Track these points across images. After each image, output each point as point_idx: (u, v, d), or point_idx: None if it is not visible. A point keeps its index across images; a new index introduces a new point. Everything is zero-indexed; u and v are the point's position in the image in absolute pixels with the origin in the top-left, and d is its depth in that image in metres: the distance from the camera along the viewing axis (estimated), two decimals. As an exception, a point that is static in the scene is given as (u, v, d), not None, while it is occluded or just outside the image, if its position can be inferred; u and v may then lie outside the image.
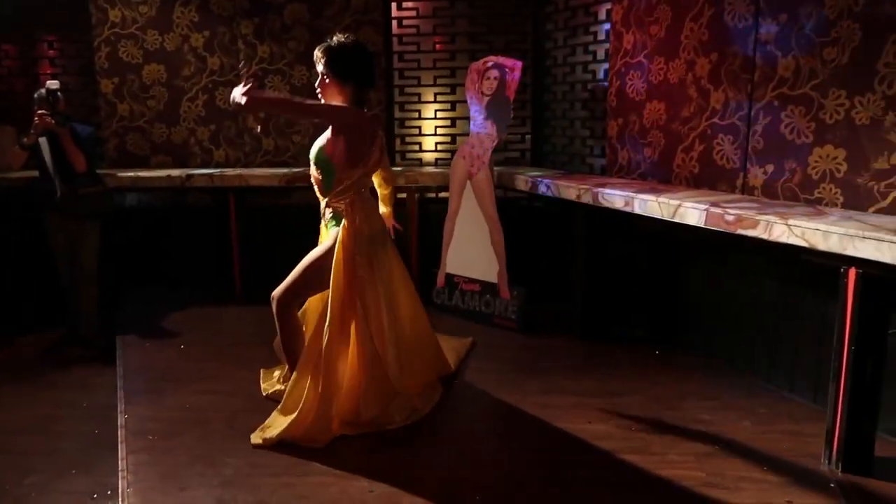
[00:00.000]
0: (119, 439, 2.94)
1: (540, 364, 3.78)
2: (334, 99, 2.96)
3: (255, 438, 2.86)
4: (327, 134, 3.01)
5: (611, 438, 2.90)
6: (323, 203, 3.09)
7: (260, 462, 2.72)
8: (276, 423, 2.90)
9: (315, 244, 3.22)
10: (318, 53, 2.93)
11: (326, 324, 2.90)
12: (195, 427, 3.03)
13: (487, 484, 2.58)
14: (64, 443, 3.01)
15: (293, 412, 2.88)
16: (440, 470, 2.70)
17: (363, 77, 2.96)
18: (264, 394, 3.35)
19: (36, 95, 4.11)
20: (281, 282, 3.08)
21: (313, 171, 3.04)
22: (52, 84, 4.02)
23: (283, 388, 3.28)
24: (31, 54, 5.54)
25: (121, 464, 2.73)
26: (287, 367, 3.19)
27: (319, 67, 2.94)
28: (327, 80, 2.93)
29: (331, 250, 2.98)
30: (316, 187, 3.08)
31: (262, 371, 3.56)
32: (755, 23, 3.33)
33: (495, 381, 3.52)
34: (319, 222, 3.23)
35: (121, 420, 3.12)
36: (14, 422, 3.22)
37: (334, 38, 2.93)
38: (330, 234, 3.06)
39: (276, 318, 3.05)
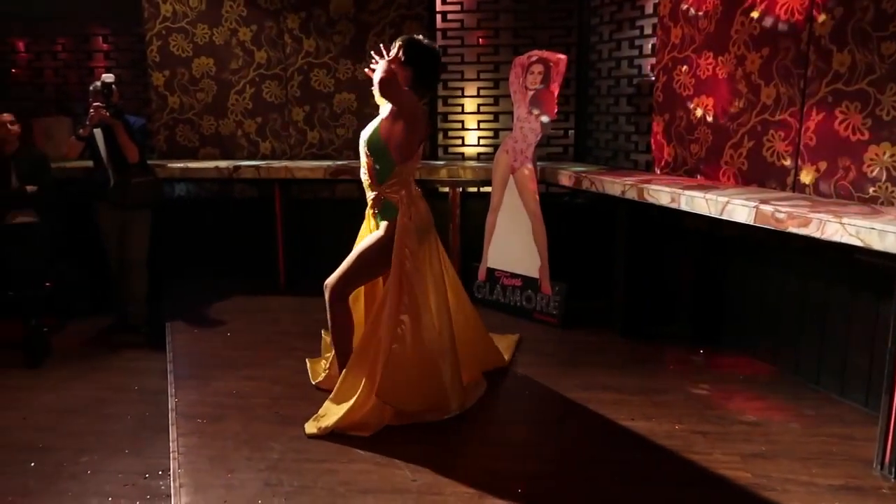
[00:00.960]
0: (170, 422, 3.03)
1: (581, 360, 3.77)
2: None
3: (310, 428, 2.90)
4: (381, 119, 3.02)
5: (653, 436, 2.88)
6: (373, 193, 3.09)
7: (304, 448, 2.78)
8: (331, 413, 2.95)
9: (356, 235, 3.25)
10: (399, 39, 3.02)
11: (385, 314, 2.92)
12: (242, 412, 3.11)
13: (529, 475, 2.58)
14: (116, 424, 3.11)
15: (347, 401, 2.92)
16: (482, 460, 2.72)
17: (424, 72, 3.01)
18: (313, 382, 3.41)
19: (91, 88, 4.24)
20: (325, 272, 3.12)
21: (365, 158, 3.05)
22: (108, 77, 4.14)
23: (326, 374, 3.34)
24: (85, 47, 5.70)
25: (172, 445, 2.81)
26: (334, 353, 3.23)
27: (393, 50, 3.00)
28: (396, 54, 2.98)
29: (383, 240, 3.00)
30: (367, 177, 3.08)
31: (308, 361, 3.61)
32: (809, 16, 3.25)
33: (536, 377, 3.52)
34: (360, 214, 3.25)
35: (171, 403, 3.21)
36: (68, 403, 3.34)
37: (424, 37, 3.07)
38: (381, 225, 3.08)
39: (328, 306, 3.09)
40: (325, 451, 2.75)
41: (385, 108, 3.05)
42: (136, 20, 5.45)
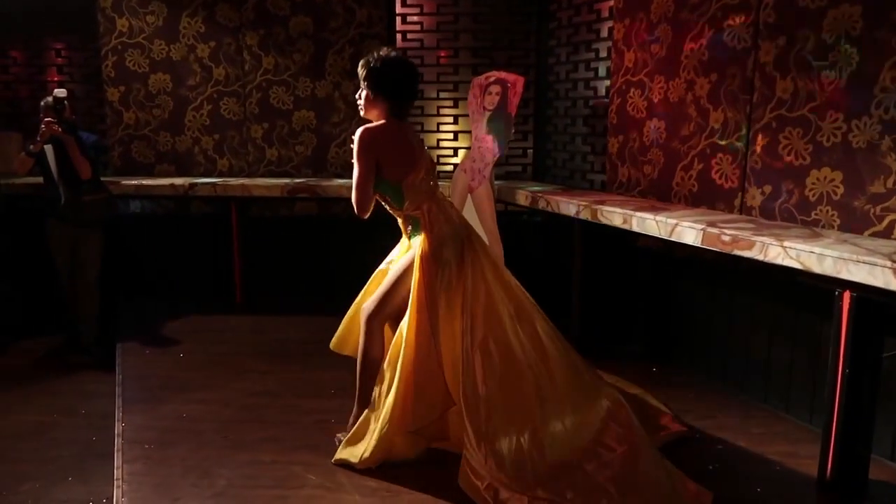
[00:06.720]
0: (115, 448, 2.96)
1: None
2: (371, 110, 2.89)
3: (350, 458, 2.78)
4: None
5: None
6: (401, 218, 2.97)
7: (253, 474, 2.73)
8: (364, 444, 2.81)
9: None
10: (359, 68, 2.88)
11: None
12: (190, 437, 3.04)
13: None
14: (61, 450, 3.03)
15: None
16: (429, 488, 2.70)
17: (398, 92, 2.88)
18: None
19: (42, 103, 4.17)
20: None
21: (379, 197, 2.93)
22: (60, 92, 4.07)
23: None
24: (38, 61, 5.60)
25: (116, 473, 2.74)
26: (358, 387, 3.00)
27: (361, 82, 2.90)
28: (364, 93, 2.89)
29: (413, 258, 2.87)
30: (388, 209, 2.97)
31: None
32: (754, 44, 3.35)
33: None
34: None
35: (118, 428, 3.13)
36: (12, 428, 3.25)
37: (376, 53, 2.86)
38: (414, 243, 2.93)
39: (362, 331, 2.93)
40: (275, 478, 2.71)
41: None
42: (92, 35, 5.37)
